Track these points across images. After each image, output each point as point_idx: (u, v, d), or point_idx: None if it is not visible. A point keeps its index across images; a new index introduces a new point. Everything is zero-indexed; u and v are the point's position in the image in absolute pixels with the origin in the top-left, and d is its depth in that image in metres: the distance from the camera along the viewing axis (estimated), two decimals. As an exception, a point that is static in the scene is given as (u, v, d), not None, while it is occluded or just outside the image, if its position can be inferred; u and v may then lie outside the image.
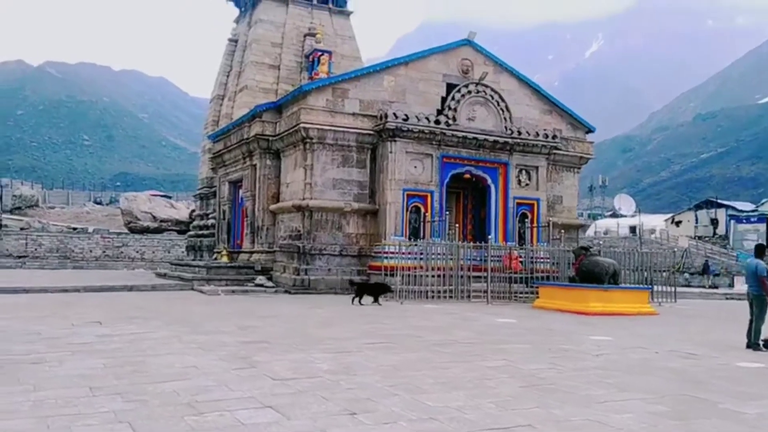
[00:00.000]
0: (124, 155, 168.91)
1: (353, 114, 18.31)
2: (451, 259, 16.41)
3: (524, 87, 20.43)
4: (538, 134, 19.42)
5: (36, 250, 34.31)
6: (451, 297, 15.82)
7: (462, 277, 16.11)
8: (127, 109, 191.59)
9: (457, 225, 17.71)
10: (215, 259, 22.62)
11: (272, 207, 19.49)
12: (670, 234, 37.56)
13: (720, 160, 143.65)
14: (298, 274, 17.64)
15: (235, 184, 22.07)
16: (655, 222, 43.84)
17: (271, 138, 19.44)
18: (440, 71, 19.41)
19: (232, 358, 7.19)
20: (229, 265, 19.17)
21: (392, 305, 14.54)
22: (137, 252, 36.42)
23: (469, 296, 15.96)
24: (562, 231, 19.32)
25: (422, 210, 18.25)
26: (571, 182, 21.34)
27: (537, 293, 15.95)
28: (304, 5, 29.97)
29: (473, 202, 20.04)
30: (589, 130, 21.57)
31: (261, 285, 18.10)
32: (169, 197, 55.21)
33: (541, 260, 18.00)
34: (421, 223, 18.22)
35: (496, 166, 19.18)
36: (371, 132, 18.27)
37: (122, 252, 36.13)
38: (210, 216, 27.87)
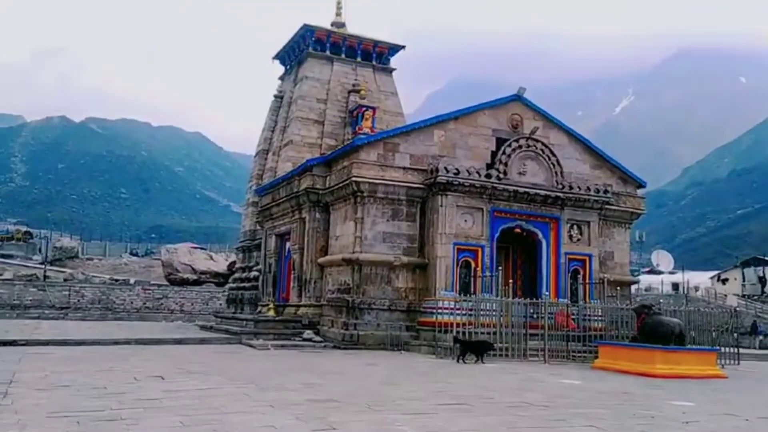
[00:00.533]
0: (159, 208, 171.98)
1: (404, 168, 18.30)
2: (504, 315, 15.99)
3: (574, 142, 20.29)
4: (589, 189, 19.18)
5: (78, 301, 34.55)
6: (505, 355, 15.35)
7: (515, 334, 15.66)
8: (164, 163, 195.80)
9: (511, 281, 17.33)
10: (260, 312, 22.49)
11: (320, 260, 19.39)
12: (717, 292, 36.61)
13: (757, 216, 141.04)
14: (347, 329, 17.38)
15: (282, 237, 22.08)
16: (698, 279, 42.86)
17: (320, 191, 19.48)
18: (490, 126, 19.40)
19: (309, 418, 6.94)
20: (276, 318, 19.00)
21: (448, 363, 14.18)
22: (177, 304, 36.50)
23: (524, 354, 15.49)
24: (618, 288, 18.90)
25: (472, 265, 17.98)
26: (622, 238, 20.96)
27: (594, 353, 15.48)
28: (348, 63, 30.51)
29: (522, 257, 19.73)
30: (640, 185, 21.28)
31: (309, 339, 17.85)
32: (203, 248, 55.57)
33: (595, 318, 17.52)
34: (472, 279, 17.92)
35: (547, 221, 18.93)
36: (421, 186, 18.21)
37: (162, 304, 36.23)
38: (253, 269, 27.86)
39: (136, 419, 6.67)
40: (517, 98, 19.77)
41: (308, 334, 18.32)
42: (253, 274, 27.81)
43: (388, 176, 18.05)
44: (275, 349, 16.40)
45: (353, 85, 29.92)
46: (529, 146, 18.76)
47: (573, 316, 17.19)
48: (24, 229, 67.92)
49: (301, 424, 6.63)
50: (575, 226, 19.20)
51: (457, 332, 15.20)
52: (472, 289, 17.78)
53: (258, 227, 28.00)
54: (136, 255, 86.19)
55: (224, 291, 38.14)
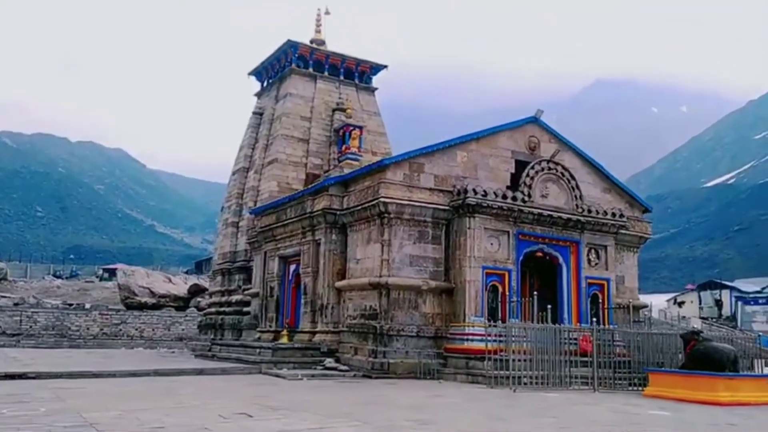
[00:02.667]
0: (78, 227, 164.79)
1: (429, 189, 17.85)
2: (540, 343, 15.58)
3: (586, 165, 20.37)
4: (606, 213, 19.23)
5: (31, 327, 32.31)
6: (542, 383, 14.89)
7: (555, 362, 15.28)
8: (83, 180, 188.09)
9: (549, 307, 16.98)
10: (258, 338, 21.42)
11: (338, 284, 18.60)
12: (675, 314, 37.68)
13: (673, 240, 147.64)
14: (375, 357, 16.65)
15: (286, 260, 21.13)
16: (655, 302, 44.13)
17: (338, 212, 18.75)
18: (509, 147, 19.23)
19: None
20: (295, 346, 18.04)
21: (505, 393, 13.70)
22: (136, 329, 34.65)
23: (565, 383, 15.12)
24: (638, 311, 18.98)
25: (500, 289, 17.63)
26: (632, 262, 21.12)
27: (630, 379, 15.36)
28: (332, 81, 29.98)
29: (539, 282, 19.51)
30: (646, 210, 21.56)
31: (333, 368, 17.01)
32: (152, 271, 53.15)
33: (618, 343, 17.40)
34: (499, 303, 17.56)
35: (567, 245, 18.82)
36: (447, 207, 17.78)
37: (121, 330, 34.33)
38: (235, 293, 26.67)
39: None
40: (534, 120, 19.71)
41: (329, 362, 17.48)
42: (235, 298, 26.66)
43: (415, 197, 17.54)
44: (308, 379, 15.51)
45: (337, 104, 29.41)
46: (550, 169, 18.66)
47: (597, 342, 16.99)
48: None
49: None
50: (593, 250, 19.18)
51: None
52: (500, 315, 17.42)
53: (247, 247, 26.89)
54: (59, 277, 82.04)
55: (186, 315, 36.54)
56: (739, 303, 37.32)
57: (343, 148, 27.90)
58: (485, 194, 17.45)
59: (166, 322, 35.52)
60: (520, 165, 19.12)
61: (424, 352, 16.97)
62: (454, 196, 17.81)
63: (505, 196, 17.74)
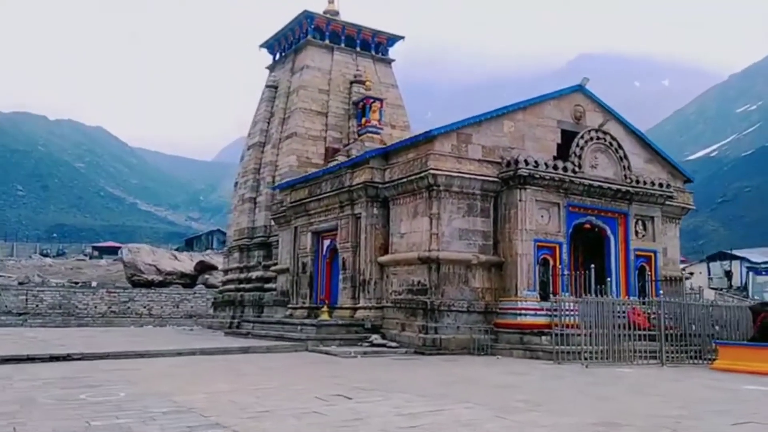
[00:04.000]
0: (60, 206, 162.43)
1: (477, 160, 17.21)
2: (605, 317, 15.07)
3: (630, 135, 19.82)
4: (653, 183, 18.74)
5: (37, 306, 31.40)
6: (603, 358, 14.39)
7: (617, 336, 14.77)
8: (63, 158, 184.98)
9: (609, 280, 16.49)
10: (290, 315, 20.81)
11: (382, 259, 17.98)
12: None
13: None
14: (426, 333, 16.11)
15: (319, 235, 20.44)
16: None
17: (380, 186, 18.06)
18: (555, 117, 18.62)
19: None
20: (339, 323, 17.44)
21: (579, 369, 13.22)
22: (144, 307, 33.89)
23: (628, 358, 14.62)
24: (680, 282, 18.58)
25: (551, 262, 17.12)
26: (673, 233, 20.72)
27: (689, 352, 14.96)
28: (348, 52, 29.14)
29: (583, 254, 19.03)
30: (688, 180, 21.12)
31: (381, 345, 16.46)
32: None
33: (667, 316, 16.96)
34: (550, 277, 17.06)
35: (615, 216, 18.32)
36: (495, 179, 17.17)
37: (129, 308, 33.55)
38: (261, 267, 26.01)
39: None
40: (580, 89, 19.09)
41: (376, 338, 16.93)
42: (255, 274, 26.04)
43: (464, 168, 16.91)
44: (361, 357, 14.93)
45: (355, 76, 28.62)
46: (599, 138, 18.09)
47: (649, 315, 16.57)
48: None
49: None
50: (640, 222, 18.71)
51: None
52: (550, 288, 16.95)
53: (266, 223, 26.21)
54: (46, 256, 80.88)
55: (194, 293, 35.82)
56: (750, 273, 37.33)
57: (363, 121, 27.19)
58: (536, 165, 16.85)
59: (174, 300, 34.78)
60: (566, 135, 18.55)
61: (475, 328, 16.44)
62: (502, 167, 17.19)
63: (555, 167, 17.16)
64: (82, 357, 13.59)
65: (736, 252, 40.98)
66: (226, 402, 8.41)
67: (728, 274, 39.47)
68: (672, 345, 14.90)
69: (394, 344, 16.41)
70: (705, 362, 14.77)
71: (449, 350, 15.91)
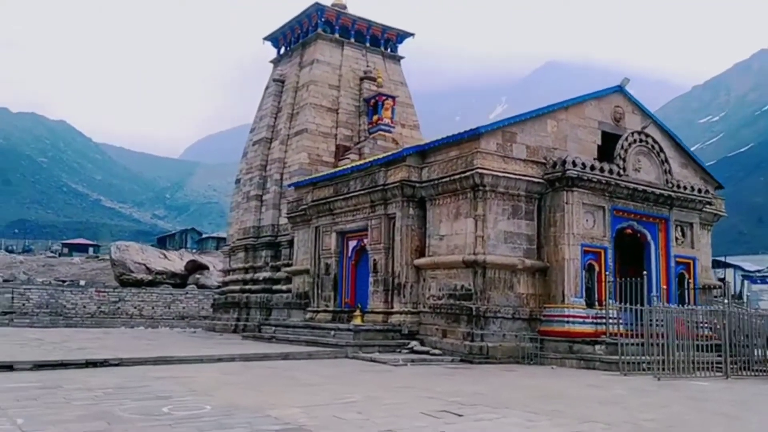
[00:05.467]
0: (22, 201, 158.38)
1: (523, 160, 16.55)
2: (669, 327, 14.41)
3: (666, 138, 19.36)
4: (693, 188, 18.32)
5: (24, 305, 29.86)
6: (672, 369, 13.75)
7: (681, 346, 14.11)
8: (25, 152, 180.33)
9: (664, 288, 15.94)
10: (310, 319, 19.90)
11: (419, 261, 17.18)
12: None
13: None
14: (472, 340, 15.37)
15: (344, 235, 19.56)
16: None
17: (417, 185, 17.28)
18: (596, 118, 18.07)
19: None
20: (376, 328, 16.59)
21: (652, 382, 12.62)
22: (135, 308, 32.61)
23: (689, 369, 14.02)
24: (712, 290, 18.18)
25: (596, 268, 16.54)
26: (706, 240, 20.35)
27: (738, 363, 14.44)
28: (358, 48, 28.32)
29: (621, 260, 18.47)
30: (719, 186, 20.78)
31: (424, 352, 15.68)
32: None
33: (703, 325, 16.50)
34: (595, 283, 16.47)
35: (656, 222, 17.84)
36: (540, 180, 16.53)
37: (119, 308, 32.23)
38: (270, 269, 25.03)
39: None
40: (620, 90, 18.58)
41: (416, 345, 16.15)
42: (263, 275, 25.07)
43: (510, 168, 16.22)
44: (411, 365, 14.13)
45: (365, 72, 27.85)
46: (641, 141, 17.59)
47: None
48: None
49: None
50: (678, 228, 18.26)
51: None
52: (596, 295, 16.39)
53: (274, 222, 25.26)
54: (11, 251, 78.44)
55: (186, 293, 34.58)
56: (745, 281, 37.54)
57: (375, 118, 26.47)
58: (584, 166, 16.26)
59: (165, 300, 33.49)
60: (606, 137, 18.05)
61: (520, 335, 15.77)
62: (547, 168, 16.57)
63: (602, 169, 16.58)
64: (120, 363, 12.55)
65: (729, 260, 41.20)
66: (330, 418, 7.59)
67: (722, 282, 39.55)
68: (731, 356, 14.39)
69: (437, 352, 15.64)
70: (763, 374, 14.32)
71: (496, 359, 15.21)
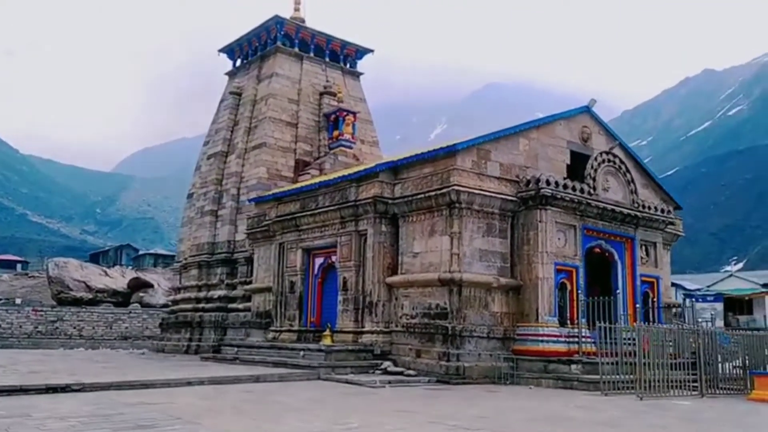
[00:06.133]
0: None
1: (497, 178, 16.47)
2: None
3: (629, 159, 19.60)
4: (656, 208, 18.61)
5: (-47, 325, 27.96)
6: (652, 388, 13.70)
7: (660, 364, 14.08)
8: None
9: (651, 306, 16.02)
10: (273, 339, 19.26)
11: (392, 280, 16.82)
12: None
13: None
14: (448, 360, 15.08)
15: (310, 252, 19.04)
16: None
17: (389, 201, 16.96)
18: (565, 137, 18.20)
19: None
20: (348, 348, 16.10)
21: (633, 401, 12.57)
22: (75, 328, 31.07)
23: (668, 386, 14.04)
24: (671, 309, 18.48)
25: (568, 287, 16.54)
26: (667, 260, 20.67)
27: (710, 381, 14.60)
28: (317, 62, 28.01)
29: (587, 279, 18.54)
30: (677, 206, 21.19)
31: (398, 373, 15.28)
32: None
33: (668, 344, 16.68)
34: (567, 302, 16.47)
35: (622, 241, 18.02)
36: (513, 198, 16.47)
37: (57, 328, 30.65)
38: (225, 287, 24.22)
39: None
40: (587, 110, 18.79)
41: (389, 366, 15.75)
42: (218, 293, 24.28)
43: (485, 186, 16.12)
44: (390, 386, 13.72)
45: (325, 87, 27.54)
46: (610, 161, 17.79)
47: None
48: None
49: None
50: (643, 247, 18.50)
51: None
52: (567, 314, 16.38)
53: (230, 238, 24.52)
54: (-72, 268, 74.43)
55: (129, 312, 33.20)
56: (687, 300, 38.51)
57: (335, 134, 26.16)
58: (557, 185, 16.29)
59: (107, 320, 32.00)
60: (575, 156, 18.21)
61: (495, 355, 15.59)
62: (521, 186, 16.54)
63: (574, 188, 16.66)
64: (83, 388, 11.70)
65: (672, 279, 42.22)
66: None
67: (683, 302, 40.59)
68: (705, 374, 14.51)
69: (412, 372, 15.27)
70: (734, 392, 14.48)
71: (473, 379, 14.97)
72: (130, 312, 32.87)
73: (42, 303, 32.59)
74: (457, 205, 15.66)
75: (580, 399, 12.54)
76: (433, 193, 15.96)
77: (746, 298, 37.33)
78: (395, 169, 17.47)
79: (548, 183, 16.17)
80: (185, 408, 9.90)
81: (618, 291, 17.74)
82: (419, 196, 16.34)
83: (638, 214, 17.99)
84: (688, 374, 14.36)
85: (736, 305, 37.51)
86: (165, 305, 34.30)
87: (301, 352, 16.12)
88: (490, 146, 16.68)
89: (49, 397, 10.89)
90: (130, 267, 63.86)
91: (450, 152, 16.06)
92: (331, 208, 17.95)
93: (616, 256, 17.92)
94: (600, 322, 14.96)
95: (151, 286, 35.14)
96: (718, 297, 37.12)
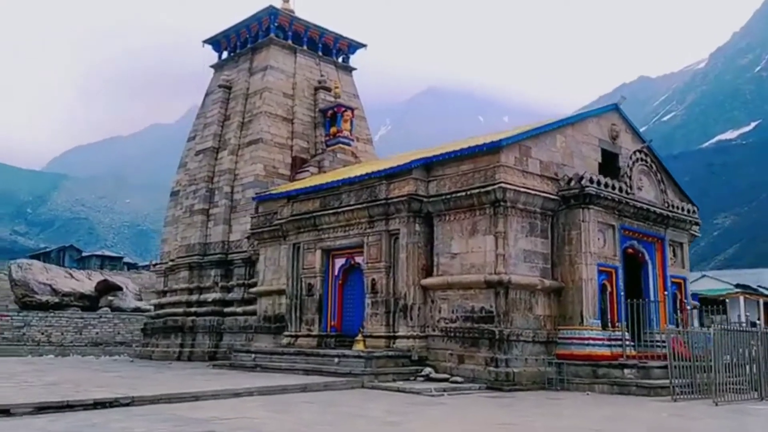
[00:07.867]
0: None
1: (539, 176, 15.86)
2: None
3: (656, 158, 19.35)
4: (682, 208, 18.38)
5: None
6: (696, 392, 13.37)
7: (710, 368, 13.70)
8: None
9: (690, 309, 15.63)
10: (289, 344, 18.17)
11: (428, 281, 15.97)
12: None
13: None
14: (496, 366, 14.35)
15: (329, 253, 18.02)
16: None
17: (424, 199, 16.13)
18: (597, 135, 17.75)
19: None
20: (389, 354, 15.18)
21: (711, 407, 12.10)
22: (43, 334, 29.15)
23: (719, 391, 13.65)
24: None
25: (608, 288, 16.06)
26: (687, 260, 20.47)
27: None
28: (311, 56, 26.99)
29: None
30: (695, 207, 21.02)
31: (443, 380, 14.47)
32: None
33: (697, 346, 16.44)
34: (608, 304, 15.98)
35: (653, 241, 17.68)
36: (555, 197, 15.89)
37: (24, 334, 28.61)
38: (219, 289, 22.92)
39: None
40: (616, 108, 18.42)
41: (431, 372, 14.93)
42: (212, 296, 23.02)
43: (528, 184, 15.47)
44: (448, 395, 12.90)
45: (319, 82, 26.57)
46: (643, 160, 17.42)
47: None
48: None
49: None
50: (671, 248, 18.23)
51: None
52: (608, 316, 15.90)
53: (224, 238, 23.29)
54: None
55: (99, 317, 31.37)
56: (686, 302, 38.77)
57: (333, 130, 25.24)
58: (599, 183, 15.79)
59: (76, 325, 30.14)
60: (605, 154, 17.80)
61: (540, 359, 14.98)
62: (561, 184, 15.97)
63: (614, 187, 16.19)
64: (132, 401, 10.49)
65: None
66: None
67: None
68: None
69: (459, 379, 14.48)
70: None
71: (522, 385, 14.29)
72: (101, 316, 31.04)
73: (8, 307, 30.41)
74: (502, 203, 14.96)
75: (653, 405, 11.99)
76: (475, 191, 15.21)
77: (721, 298, 37.92)
78: (428, 165, 16.65)
79: (591, 181, 15.65)
80: (273, 424, 8.85)
81: (648, 292, 17.41)
82: (459, 194, 15.57)
83: (669, 213, 17.69)
84: (736, 377, 14.06)
85: (711, 305, 38.07)
86: (137, 309, 32.55)
87: (336, 359, 15.11)
88: (530, 143, 16.06)
89: (102, 413, 9.62)
90: (73, 268, 60.94)
91: (494, 148, 15.35)
92: (358, 206, 16.99)
93: (647, 257, 17.56)
94: (635, 325, 14.75)
95: (120, 289, 33.24)
96: (693, 297, 37.59)
